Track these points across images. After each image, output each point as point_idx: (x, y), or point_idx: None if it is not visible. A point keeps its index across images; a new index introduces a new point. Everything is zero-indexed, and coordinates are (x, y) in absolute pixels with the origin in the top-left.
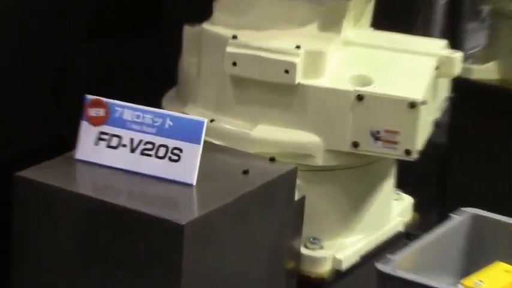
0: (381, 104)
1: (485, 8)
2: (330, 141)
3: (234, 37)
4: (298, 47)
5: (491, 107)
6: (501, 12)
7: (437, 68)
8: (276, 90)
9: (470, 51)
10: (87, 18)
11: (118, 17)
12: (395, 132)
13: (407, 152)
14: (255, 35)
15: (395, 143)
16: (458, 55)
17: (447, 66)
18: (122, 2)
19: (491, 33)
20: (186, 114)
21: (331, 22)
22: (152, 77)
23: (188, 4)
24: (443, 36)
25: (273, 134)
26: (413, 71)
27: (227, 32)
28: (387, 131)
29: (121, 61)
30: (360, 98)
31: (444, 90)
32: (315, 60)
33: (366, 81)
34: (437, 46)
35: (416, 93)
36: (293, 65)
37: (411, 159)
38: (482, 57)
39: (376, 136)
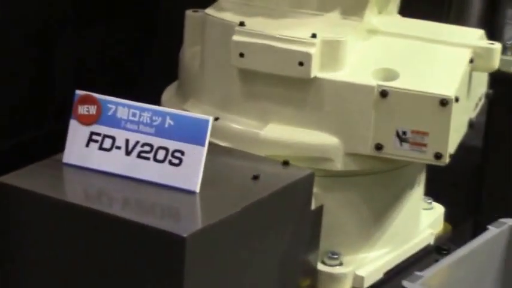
0: (407, 101)
1: None
2: (349, 143)
3: (242, 24)
4: (314, 35)
5: None
6: None
7: (471, 60)
8: (289, 84)
9: (510, 42)
10: (77, 6)
11: (111, 2)
12: (424, 133)
13: (437, 156)
14: (265, 23)
15: (423, 145)
16: (496, 46)
17: (484, 58)
18: None
19: None
20: (188, 111)
21: (353, 8)
22: (150, 70)
23: None
24: (480, 25)
25: (285, 134)
26: (445, 64)
27: (234, 19)
28: (414, 132)
29: (115, 52)
30: (383, 94)
31: (481, 86)
32: (333, 50)
33: (391, 75)
34: (473, 36)
35: (448, 89)
36: (308, 56)
37: (442, 164)
38: None
39: (402, 138)
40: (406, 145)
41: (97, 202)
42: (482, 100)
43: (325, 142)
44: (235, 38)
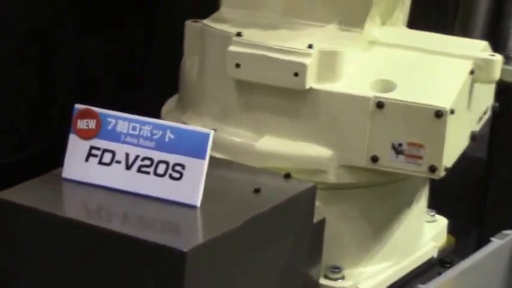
0: (403, 112)
1: None
2: (344, 155)
3: (239, 34)
4: (310, 46)
5: None
6: None
7: (472, 72)
8: (285, 96)
9: None
10: (78, 8)
11: (111, 12)
12: (420, 146)
13: (432, 169)
14: (264, 34)
15: (419, 157)
16: (497, 58)
17: (484, 70)
18: None
19: None
20: (185, 123)
21: (353, 19)
22: (151, 70)
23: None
24: (485, 35)
25: (279, 146)
26: (444, 75)
27: (232, 29)
28: (410, 144)
29: (116, 53)
30: (380, 105)
31: (487, 99)
32: (331, 61)
33: (388, 86)
34: (475, 47)
35: (444, 101)
36: (303, 66)
37: (436, 177)
38: None
39: (397, 150)
40: (401, 157)
41: (97, 217)
42: (488, 113)
43: (319, 154)
44: (232, 48)
